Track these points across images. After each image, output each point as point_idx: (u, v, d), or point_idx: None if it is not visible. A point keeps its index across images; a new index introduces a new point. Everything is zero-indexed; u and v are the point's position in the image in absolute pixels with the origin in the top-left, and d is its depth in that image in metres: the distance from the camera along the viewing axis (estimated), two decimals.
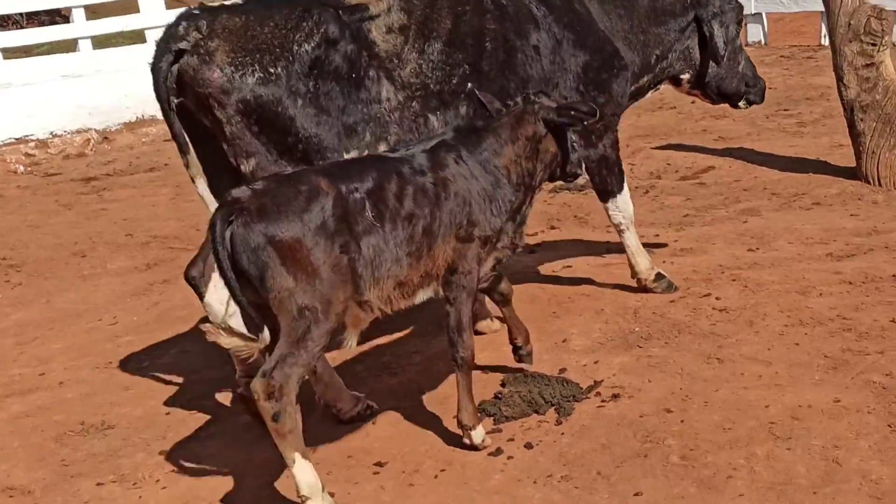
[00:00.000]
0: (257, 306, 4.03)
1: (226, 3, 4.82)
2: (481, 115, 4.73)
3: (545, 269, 6.72)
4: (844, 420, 4.55)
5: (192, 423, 5.27)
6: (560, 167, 4.64)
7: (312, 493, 4.09)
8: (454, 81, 4.98)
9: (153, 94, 4.67)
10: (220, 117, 4.63)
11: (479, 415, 4.66)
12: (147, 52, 4.90)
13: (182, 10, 4.81)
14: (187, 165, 4.78)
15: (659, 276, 5.97)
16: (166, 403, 5.53)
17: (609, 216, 5.88)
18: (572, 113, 4.46)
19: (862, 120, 7.81)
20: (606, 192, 5.77)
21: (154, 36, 5.26)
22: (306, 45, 4.69)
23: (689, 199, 8.07)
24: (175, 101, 4.63)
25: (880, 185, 7.74)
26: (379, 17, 4.86)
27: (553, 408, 4.94)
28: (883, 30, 7.80)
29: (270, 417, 3.98)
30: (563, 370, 5.28)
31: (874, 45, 7.81)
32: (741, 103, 6.13)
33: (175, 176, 10.48)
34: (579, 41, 5.34)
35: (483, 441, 4.61)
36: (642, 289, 5.98)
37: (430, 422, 4.93)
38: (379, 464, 4.63)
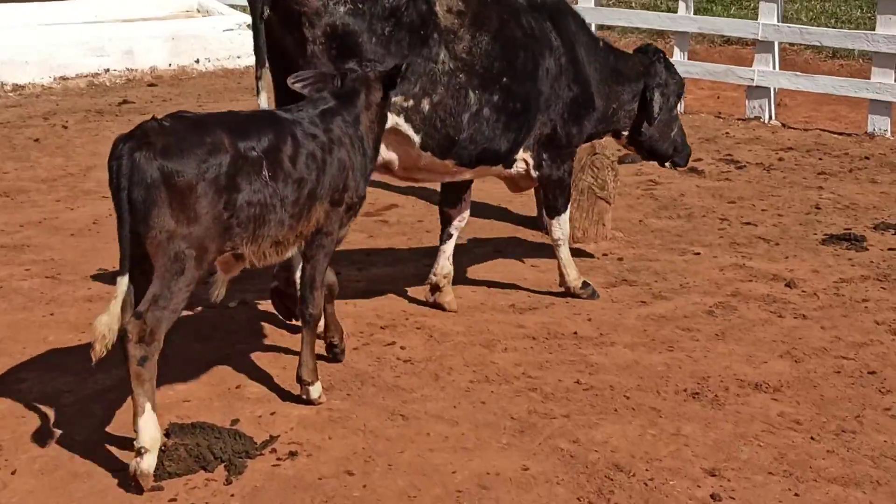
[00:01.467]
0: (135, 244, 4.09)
1: None
2: (333, 86, 4.92)
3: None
4: (533, 491, 4.34)
5: None
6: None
7: (153, 447, 4.22)
8: (494, 71, 5.69)
9: None
10: (307, 35, 5.18)
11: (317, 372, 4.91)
12: None
13: None
14: (259, 78, 5.34)
15: (585, 284, 6.56)
16: None
17: (551, 230, 6.54)
18: (397, 73, 4.89)
19: None
20: (555, 210, 6.43)
21: None
22: None
23: (372, 236, 7.78)
24: (267, 12, 5.21)
25: None
26: None
27: (223, 465, 4.45)
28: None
29: (137, 361, 4.11)
30: (235, 421, 4.80)
31: None
32: (667, 163, 7.00)
33: None
34: (574, 77, 6.13)
35: (319, 397, 4.91)
36: (571, 295, 6.54)
37: None
38: None
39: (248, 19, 10.62)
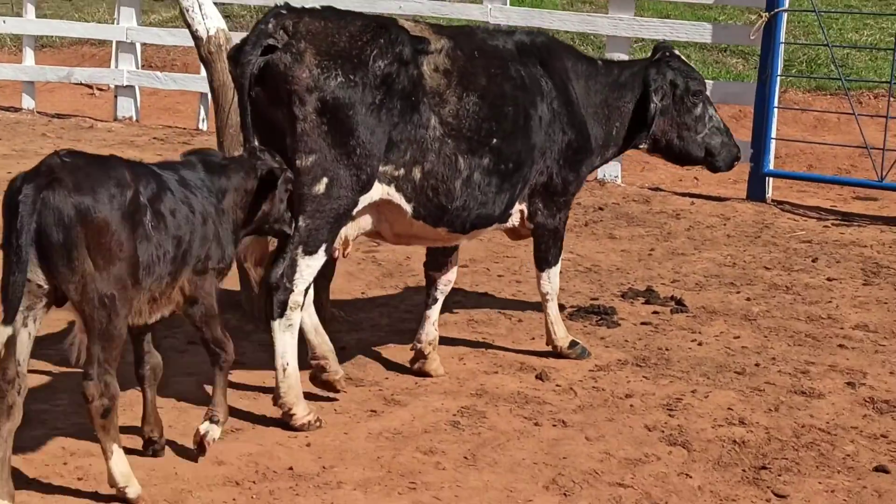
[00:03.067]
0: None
1: (306, 6, 5.24)
2: (215, 154, 4.88)
3: None
4: None
5: None
6: (269, 224, 4.89)
7: (129, 482, 4.25)
8: (482, 133, 5.47)
9: None
10: (297, 113, 5.01)
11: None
12: None
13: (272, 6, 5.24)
14: None
15: (573, 343, 6.14)
16: None
17: (539, 284, 6.11)
18: (287, 178, 4.82)
19: None
20: (545, 263, 6.05)
21: None
22: (381, 61, 5.15)
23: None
24: (253, 91, 5.03)
25: None
26: (433, 55, 5.37)
27: None
28: None
29: (101, 415, 4.09)
30: None
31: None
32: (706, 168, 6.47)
33: None
34: (569, 120, 5.84)
35: (214, 439, 4.67)
36: (558, 355, 6.11)
37: None
38: None
39: None
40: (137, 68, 12.76)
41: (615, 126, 6.17)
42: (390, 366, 5.99)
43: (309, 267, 5.08)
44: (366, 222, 5.43)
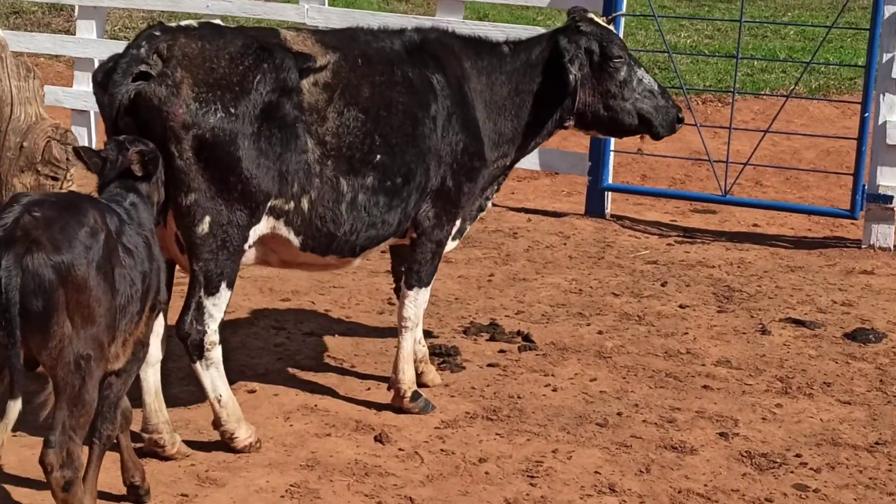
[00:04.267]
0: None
1: (181, 23, 4.84)
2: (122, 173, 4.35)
3: None
4: None
5: None
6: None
7: None
8: (364, 149, 5.07)
9: None
10: (173, 150, 4.63)
11: None
12: None
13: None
14: None
15: (416, 395, 5.43)
16: None
17: (402, 306, 5.46)
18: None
19: None
20: (417, 280, 5.44)
21: None
22: (262, 88, 4.77)
23: None
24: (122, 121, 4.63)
25: None
26: (318, 71, 4.98)
27: None
28: (68, 159, 5.67)
29: (61, 488, 3.78)
30: None
31: (56, 178, 5.66)
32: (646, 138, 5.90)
33: None
34: (463, 122, 5.35)
35: None
36: (398, 403, 5.40)
37: None
38: None
39: None
40: None
41: (530, 112, 5.58)
42: (201, 430, 5.13)
43: (215, 306, 4.84)
44: (250, 255, 5.03)
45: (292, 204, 4.93)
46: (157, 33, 4.73)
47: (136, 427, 4.97)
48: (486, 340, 6.42)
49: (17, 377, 3.63)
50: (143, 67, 4.62)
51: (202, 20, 4.94)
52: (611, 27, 5.86)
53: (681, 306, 7.05)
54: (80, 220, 3.81)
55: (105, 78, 4.67)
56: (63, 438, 3.77)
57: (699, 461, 5.02)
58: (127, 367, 4.18)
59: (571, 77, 5.46)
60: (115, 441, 4.29)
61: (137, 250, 4.07)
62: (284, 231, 4.98)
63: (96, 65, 10.68)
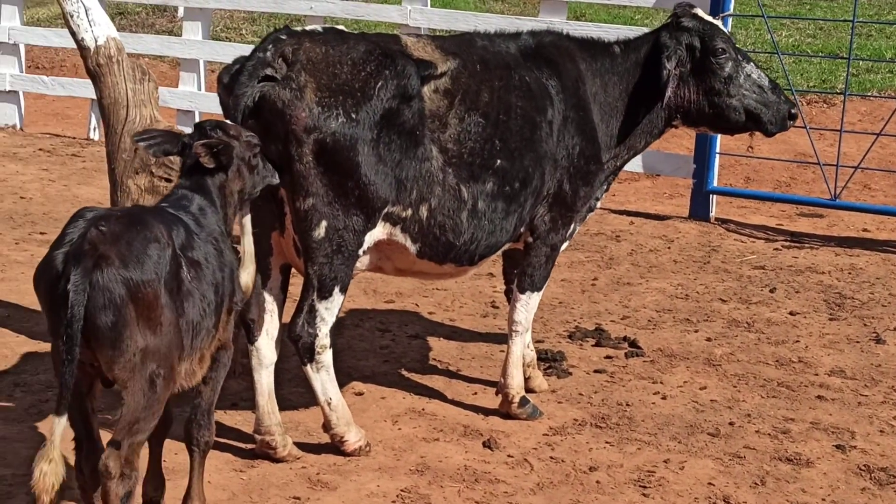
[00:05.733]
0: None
1: (307, 28, 4.93)
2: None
3: None
4: None
5: None
6: (250, 196, 4.40)
7: None
8: (485, 155, 5.04)
9: None
10: (293, 153, 4.65)
11: None
12: None
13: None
14: None
15: (524, 401, 5.38)
16: None
17: (513, 310, 5.40)
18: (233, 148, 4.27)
19: None
20: (530, 284, 5.39)
21: None
22: (383, 94, 4.76)
23: None
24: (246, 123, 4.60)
25: None
26: (439, 78, 4.96)
27: None
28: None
29: (119, 500, 3.69)
30: None
31: (169, 180, 5.71)
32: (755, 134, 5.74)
33: None
34: (579, 127, 5.31)
35: None
36: (506, 409, 5.37)
37: None
38: None
39: None
40: (21, 72, 11.65)
41: (641, 113, 5.52)
42: (311, 432, 5.15)
43: (328, 310, 4.84)
44: (364, 261, 5.01)
45: (410, 211, 4.91)
46: (283, 37, 4.74)
47: (248, 428, 5.04)
48: (592, 346, 6.35)
49: (66, 394, 3.55)
50: (268, 71, 4.64)
51: (327, 25, 4.97)
52: (718, 22, 5.77)
53: (791, 313, 6.90)
54: (146, 236, 3.75)
55: (231, 80, 4.70)
56: (123, 437, 3.70)
57: (816, 474, 4.90)
58: (213, 374, 4.15)
59: (665, 72, 5.39)
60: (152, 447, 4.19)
61: (208, 261, 3.99)
62: (401, 238, 4.96)
63: (202, 66, 10.87)
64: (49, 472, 3.52)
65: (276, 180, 4.49)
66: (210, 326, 3.98)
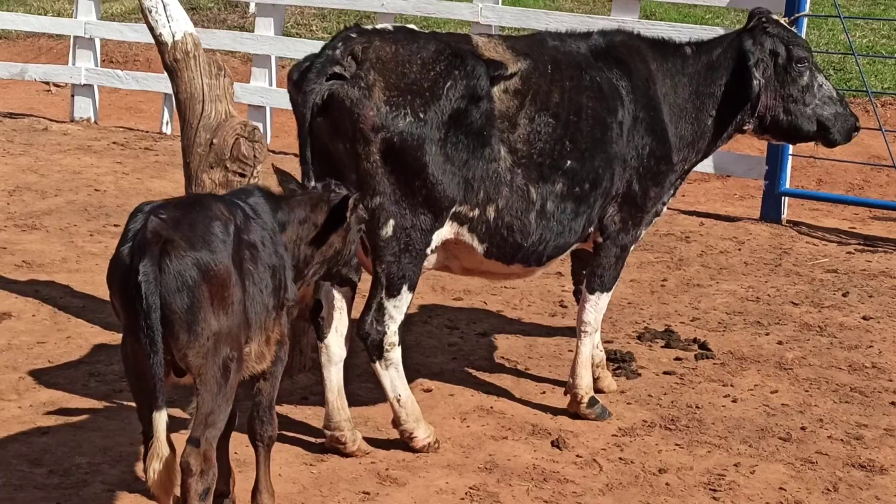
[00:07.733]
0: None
1: (377, 26, 4.94)
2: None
3: None
4: None
5: None
6: (338, 267, 4.37)
7: None
8: (555, 155, 5.03)
9: None
10: (360, 152, 4.68)
11: None
12: None
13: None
14: None
15: (593, 402, 5.36)
16: None
17: (582, 310, 5.38)
18: (361, 216, 4.34)
19: None
20: (599, 285, 5.37)
21: None
22: (452, 94, 4.77)
23: None
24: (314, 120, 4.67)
25: None
26: (509, 79, 4.94)
27: None
28: (255, 156, 5.77)
29: (199, 497, 3.67)
30: None
31: (243, 175, 5.75)
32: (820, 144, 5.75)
33: None
34: (650, 127, 5.30)
35: None
36: (574, 409, 5.35)
37: None
38: None
39: None
40: (96, 66, 11.83)
41: (710, 116, 5.49)
42: (381, 427, 5.17)
43: (396, 308, 4.87)
44: (432, 259, 5.03)
45: (477, 211, 4.92)
46: (353, 35, 4.77)
47: (317, 422, 5.08)
48: (662, 347, 6.31)
49: (160, 386, 3.53)
50: (337, 68, 4.66)
51: (397, 24, 4.99)
52: (793, 28, 5.72)
53: (864, 318, 6.80)
54: (208, 215, 3.75)
55: (300, 77, 4.74)
56: (202, 432, 3.68)
57: (890, 481, 4.83)
58: (272, 369, 4.15)
59: (755, 82, 5.35)
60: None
61: (264, 245, 3.97)
62: (468, 237, 4.97)
63: (273, 62, 10.96)
64: (162, 470, 3.53)
65: (357, 279, 4.48)
66: (270, 307, 3.95)
